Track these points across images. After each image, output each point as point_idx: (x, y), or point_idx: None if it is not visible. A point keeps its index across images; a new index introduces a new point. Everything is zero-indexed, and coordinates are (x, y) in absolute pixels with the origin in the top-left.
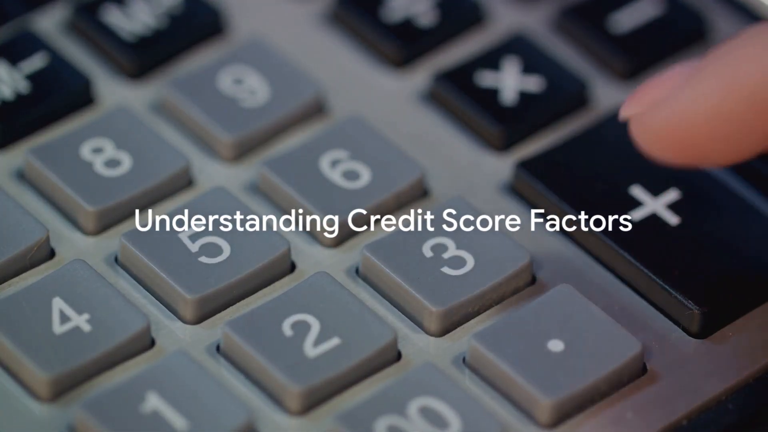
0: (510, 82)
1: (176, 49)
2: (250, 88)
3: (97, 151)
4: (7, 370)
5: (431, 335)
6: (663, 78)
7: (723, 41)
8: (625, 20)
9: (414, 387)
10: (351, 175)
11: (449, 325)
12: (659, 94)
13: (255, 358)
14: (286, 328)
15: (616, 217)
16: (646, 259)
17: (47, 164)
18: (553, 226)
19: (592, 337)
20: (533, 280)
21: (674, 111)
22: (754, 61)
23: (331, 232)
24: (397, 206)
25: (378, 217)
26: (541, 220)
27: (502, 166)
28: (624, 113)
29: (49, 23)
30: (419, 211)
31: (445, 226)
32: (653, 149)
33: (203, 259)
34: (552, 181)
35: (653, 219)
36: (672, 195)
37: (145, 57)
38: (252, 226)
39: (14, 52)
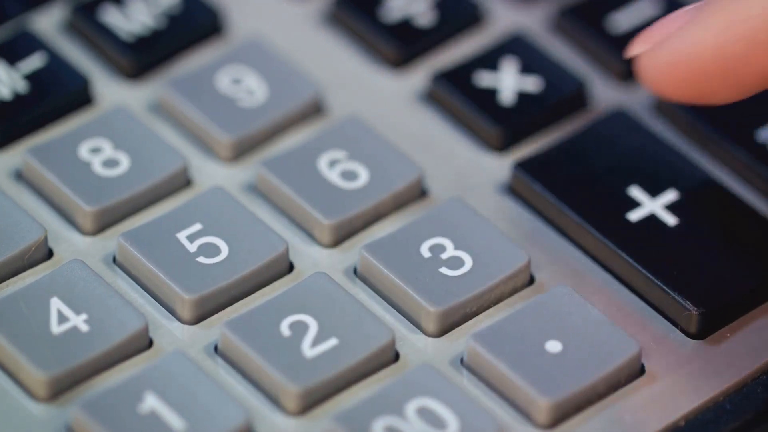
0: (508, 82)
1: (174, 49)
2: (248, 88)
3: (96, 151)
4: (5, 370)
5: (429, 336)
6: (669, 18)
7: None
8: (623, 20)
9: (412, 387)
10: (349, 176)
11: (447, 325)
12: (663, 34)
13: (253, 359)
14: (284, 329)
15: (614, 217)
16: (644, 259)
17: (45, 164)
18: (551, 226)
19: (590, 337)
20: (531, 281)
21: (678, 47)
22: (754, 1)
23: (329, 233)
24: (395, 206)
25: (376, 217)
26: (540, 220)
27: (500, 166)
28: (631, 52)
29: (47, 23)
30: (417, 211)
31: (443, 227)
32: (658, 85)
33: (201, 259)
34: (550, 182)
35: (651, 219)
36: (670, 195)
37: (143, 57)
38: (250, 226)
39: (13, 51)
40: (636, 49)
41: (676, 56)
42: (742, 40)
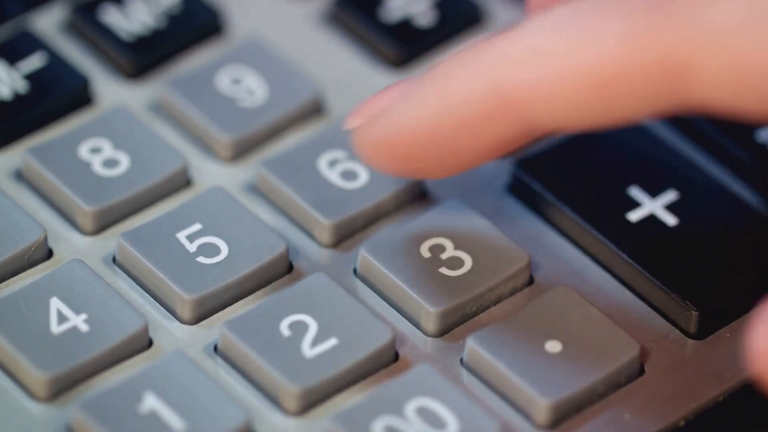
0: None
1: (174, 49)
2: (248, 88)
3: (96, 151)
4: (5, 370)
5: (429, 336)
6: (385, 92)
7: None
8: None
9: (412, 387)
10: (349, 176)
11: (447, 325)
12: (379, 108)
13: (252, 359)
14: (284, 329)
15: (614, 217)
16: (644, 259)
17: (45, 164)
18: (551, 226)
19: (589, 337)
20: (531, 281)
21: (390, 124)
22: (462, 80)
23: (329, 233)
24: (395, 206)
25: (376, 217)
26: (540, 220)
27: (500, 166)
28: (347, 125)
29: (47, 23)
30: (417, 211)
31: (443, 227)
32: (372, 160)
33: (201, 259)
34: (550, 182)
35: (651, 220)
36: (670, 196)
37: (143, 57)
38: (250, 226)
39: (13, 51)
40: (351, 122)
41: (389, 133)
42: (455, 120)
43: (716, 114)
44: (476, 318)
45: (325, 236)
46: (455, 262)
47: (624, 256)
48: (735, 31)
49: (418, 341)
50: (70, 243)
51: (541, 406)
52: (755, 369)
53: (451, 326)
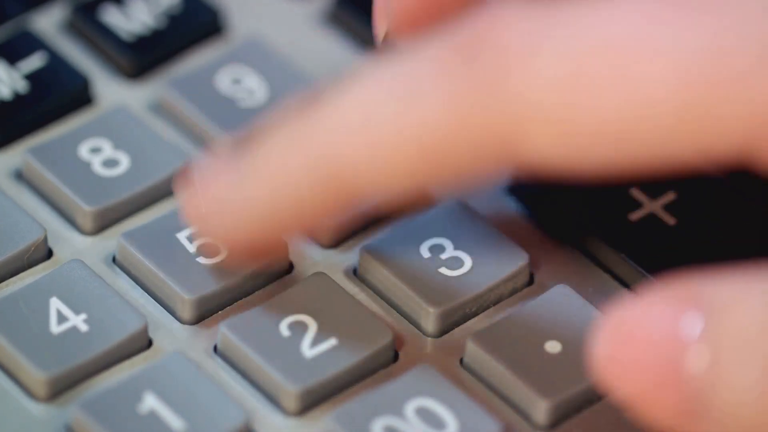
0: None
1: (175, 49)
2: (248, 87)
3: (96, 150)
4: (5, 370)
5: (429, 336)
6: (211, 170)
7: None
8: None
9: (411, 387)
10: None
11: (447, 325)
12: (214, 195)
13: (252, 359)
14: (284, 329)
15: (614, 217)
16: (644, 259)
17: (45, 164)
18: (550, 226)
19: (589, 338)
20: (531, 281)
21: (230, 224)
22: (290, 161)
23: (328, 233)
24: (395, 207)
25: (376, 217)
26: (539, 220)
27: None
28: (185, 216)
29: (47, 23)
30: (416, 211)
31: (443, 227)
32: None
33: (201, 259)
34: (549, 182)
35: (651, 220)
36: (670, 196)
37: (143, 57)
38: None
39: (13, 51)
40: (184, 195)
41: (232, 233)
42: (291, 202)
43: (552, 173)
44: (476, 318)
45: (325, 237)
46: (455, 262)
47: (624, 256)
48: (556, 93)
49: (418, 341)
50: (70, 243)
51: (541, 406)
52: (598, 375)
53: (451, 326)
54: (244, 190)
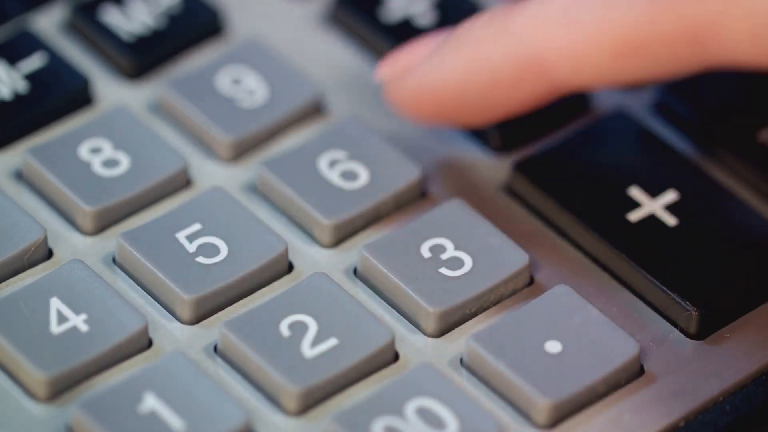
0: None
1: (175, 50)
2: (248, 88)
3: (96, 151)
4: (5, 370)
5: (429, 336)
6: (415, 47)
7: (470, 18)
8: None
9: (411, 388)
10: (349, 176)
11: (447, 326)
12: (410, 61)
13: (252, 359)
14: (284, 329)
15: (614, 217)
16: (643, 260)
17: (45, 164)
18: (550, 227)
19: (589, 338)
20: (531, 281)
21: (420, 81)
22: (492, 43)
23: (329, 233)
24: (396, 207)
25: (376, 217)
26: (539, 220)
27: (500, 167)
28: (378, 76)
29: (47, 23)
30: (417, 211)
31: (443, 227)
32: (404, 111)
33: (201, 259)
34: (550, 182)
35: (651, 220)
36: (670, 196)
37: (143, 57)
38: (249, 226)
39: (13, 51)
40: (382, 72)
41: (420, 88)
42: (484, 81)
43: (743, 69)
44: (476, 318)
45: (325, 236)
46: (455, 263)
47: (624, 256)
48: None
49: (418, 341)
50: (70, 243)
51: (541, 406)
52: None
53: (451, 326)
54: (442, 61)
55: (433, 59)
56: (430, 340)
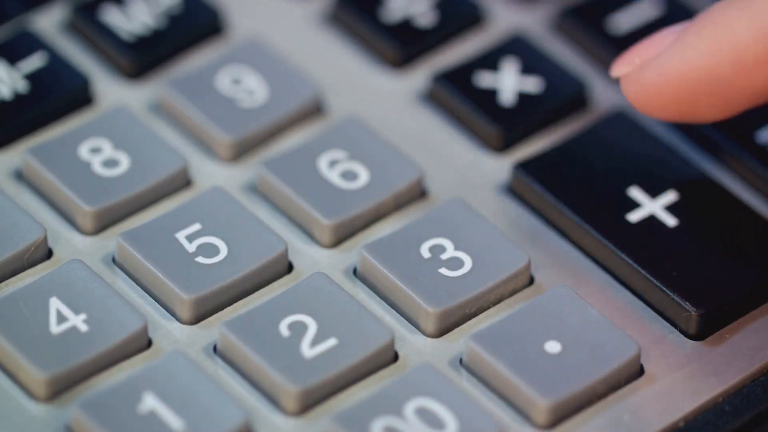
0: (509, 82)
1: (175, 49)
2: (248, 88)
3: (96, 151)
4: (5, 370)
5: (428, 336)
6: (653, 39)
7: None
8: (624, 21)
9: (411, 388)
10: (349, 176)
11: (447, 326)
12: (650, 54)
13: (252, 359)
14: (284, 329)
15: (614, 218)
16: (643, 260)
17: (45, 164)
18: (551, 227)
19: (589, 338)
20: (531, 281)
21: (664, 68)
22: (741, 21)
23: (329, 233)
24: (396, 207)
25: (376, 217)
26: (540, 220)
27: (500, 166)
28: (615, 72)
29: (48, 23)
30: (417, 211)
31: (443, 227)
32: (645, 105)
33: (200, 259)
34: (550, 182)
35: (651, 220)
36: (670, 196)
37: (143, 57)
38: (249, 226)
39: (13, 51)
40: (620, 69)
41: (662, 77)
42: (729, 61)
43: None
44: (476, 318)
45: (325, 236)
46: (455, 263)
47: (624, 256)
48: None
49: (417, 341)
50: (69, 243)
51: (541, 406)
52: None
53: (451, 326)
54: (683, 45)
55: (674, 46)
56: (429, 340)
